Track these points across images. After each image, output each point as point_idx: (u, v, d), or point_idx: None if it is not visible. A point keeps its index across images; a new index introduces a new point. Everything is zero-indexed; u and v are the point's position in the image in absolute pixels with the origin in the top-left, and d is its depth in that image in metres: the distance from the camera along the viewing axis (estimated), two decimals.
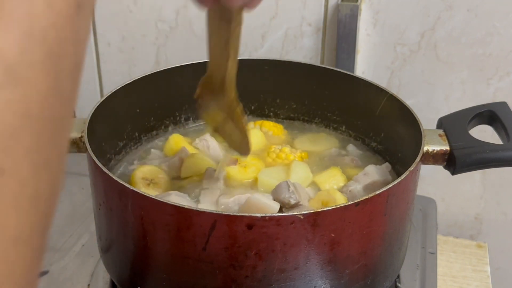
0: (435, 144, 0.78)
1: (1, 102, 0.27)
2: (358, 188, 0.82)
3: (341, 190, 0.82)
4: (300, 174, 0.84)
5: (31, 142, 0.28)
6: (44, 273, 0.88)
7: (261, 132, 0.93)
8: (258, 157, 0.89)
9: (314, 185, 0.85)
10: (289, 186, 0.77)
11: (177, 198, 0.76)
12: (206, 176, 0.82)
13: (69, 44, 0.31)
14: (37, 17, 0.29)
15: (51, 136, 0.30)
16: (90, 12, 0.33)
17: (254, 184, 0.84)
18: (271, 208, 0.74)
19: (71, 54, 0.31)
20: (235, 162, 0.85)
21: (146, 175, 0.83)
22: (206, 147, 0.90)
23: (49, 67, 0.29)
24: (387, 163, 0.88)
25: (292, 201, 0.76)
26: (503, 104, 0.83)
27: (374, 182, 0.83)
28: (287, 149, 0.89)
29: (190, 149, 0.89)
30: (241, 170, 0.85)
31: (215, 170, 0.82)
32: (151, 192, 0.79)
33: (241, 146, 0.77)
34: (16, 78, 0.27)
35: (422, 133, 0.77)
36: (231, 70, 0.69)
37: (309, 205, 0.78)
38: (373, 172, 0.84)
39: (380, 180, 0.83)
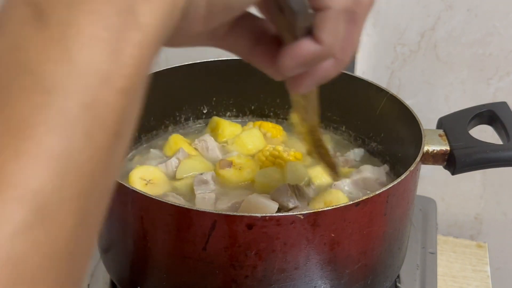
0: (435, 144, 0.78)
1: (30, 243, 0.27)
2: (347, 181, 0.82)
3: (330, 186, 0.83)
4: (297, 174, 0.84)
5: (55, 280, 0.28)
6: None
7: (260, 133, 0.93)
8: (253, 158, 0.89)
9: (311, 182, 0.85)
10: (288, 190, 0.77)
11: (173, 200, 0.76)
12: (196, 183, 0.81)
13: (102, 176, 0.31)
14: (75, 152, 0.28)
15: (73, 269, 0.30)
16: (127, 139, 0.33)
17: (250, 186, 0.84)
18: (270, 207, 0.74)
19: (102, 185, 0.31)
20: (229, 164, 0.85)
21: (144, 175, 0.83)
22: (205, 147, 0.90)
23: (79, 204, 0.29)
24: (385, 165, 0.88)
25: (291, 205, 0.76)
26: (503, 104, 0.83)
27: (365, 178, 0.83)
28: (280, 147, 0.89)
29: (189, 150, 0.89)
30: (235, 173, 0.84)
31: (201, 174, 0.82)
32: (149, 192, 0.79)
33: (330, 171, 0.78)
34: (45, 218, 0.27)
35: (422, 133, 0.77)
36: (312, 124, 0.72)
37: (311, 205, 0.78)
38: (366, 170, 0.84)
39: (372, 178, 0.83)
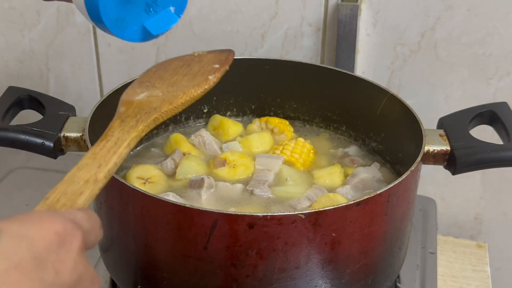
0: (435, 144, 0.78)
1: None
2: (347, 188, 0.82)
3: (333, 190, 0.82)
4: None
5: None
6: None
7: (268, 133, 0.93)
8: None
9: (311, 177, 0.85)
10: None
11: (174, 200, 0.76)
12: (191, 185, 0.81)
13: None
14: None
15: None
16: None
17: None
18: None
19: None
20: (223, 163, 0.85)
21: (141, 174, 0.83)
22: (202, 143, 0.90)
23: None
24: (375, 163, 0.88)
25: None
26: (504, 104, 0.84)
27: (362, 180, 0.83)
28: (301, 139, 0.90)
29: (188, 148, 0.89)
30: (230, 171, 0.84)
31: (202, 178, 0.81)
32: (148, 191, 0.79)
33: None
34: None
35: (423, 133, 0.77)
36: None
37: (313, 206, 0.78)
38: (360, 172, 0.84)
39: (369, 177, 0.83)
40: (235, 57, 0.95)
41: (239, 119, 0.99)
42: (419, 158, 0.73)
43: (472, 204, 1.12)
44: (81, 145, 0.79)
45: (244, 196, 0.81)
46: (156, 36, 0.68)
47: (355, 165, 0.88)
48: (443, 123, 0.83)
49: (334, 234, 0.65)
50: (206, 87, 0.73)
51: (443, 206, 1.12)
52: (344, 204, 0.65)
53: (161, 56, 1.12)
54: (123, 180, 0.67)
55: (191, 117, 0.98)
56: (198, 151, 0.90)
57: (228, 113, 0.99)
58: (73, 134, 0.79)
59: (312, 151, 0.90)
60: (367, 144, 0.94)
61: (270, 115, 0.98)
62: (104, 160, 0.57)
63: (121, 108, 0.68)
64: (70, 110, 0.83)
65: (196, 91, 0.72)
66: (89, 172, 0.54)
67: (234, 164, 0.85)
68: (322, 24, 1.04)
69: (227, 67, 0.76)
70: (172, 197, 0.77)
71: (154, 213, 0.66)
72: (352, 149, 0.93)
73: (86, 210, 0.50)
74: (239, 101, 0.99)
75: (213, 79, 0.74)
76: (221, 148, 0.90)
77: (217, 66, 0.76)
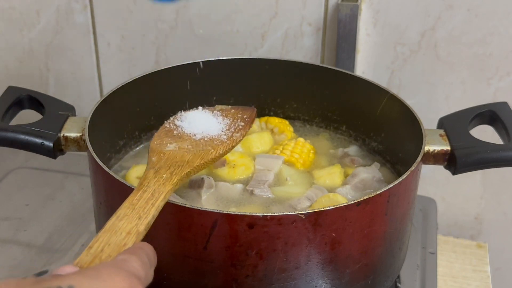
0: (436, 144, 0.78)
1: None
2: (347, 188, 0.82)
3: (334, 190, 0.82)
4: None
5: None
6: (43, 272, 0.88)
7: (268, 133, 0.93)
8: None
9: (311, 177, 0.85)
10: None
11: (174, 200, 0.75)
12: (191, 185, 0.81)
13: None
14: None
15: None
16: None
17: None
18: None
19: None
20: (223, 163, 0.85)
21: (141, 174, 0.82)
22: None
23: None
24: (375, 163, 0.88)
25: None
26: (504, 104, 0.83)
27: (363, 180, 0.83)
28: (301, 140, 0.90)
29: None
30: (230, 171, 0.84)
31: (202, 178, 0.81)
32: None
33: None
34: None
35: (423, 133, 0.77)
36: None
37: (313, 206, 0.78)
38: (361, 172, 0.84)
39: (369, 177, 0.83)
40: (234, 57, 0.96)
41: None
42: (419, 158, 0.73)
43: (472, 204, 1.12)
44: (80, 145, 0.79)
45: (244, 196, 0.81)
46: None
47: (355, 165, 0.88)
48: (443, 123, 0.82)
49: (334, 234, 0.65)
50: (233, 144, 0.75)
51: (443, 206, 1.12)
52: (344, 204, 0.64)
53: (161, 56, 1.12)
54: (123, 180, 0.67)
55: None
56: None
57: None
58: (72, 134, 0.79)
59: (312, 151, 0.90)
60: (367, 144, 0.94)
61: (270, 115, 0.98)
62: (144, 212, 0.57)
63: (152, 158, 0.70)
64: (69, 110, 0.83)
65: (225, 148, 0.74)
66: (130, 224, 0.55)
67: (234, 164, 0.85)
68: (322, 24, 1.04)
69: (251, 125, 0.80)
70: (172, 197, 0.77)
71: None
72: (352, 149, 0.93)
73: (139, 254, 0.51)
74: (239, 101, 0.98)
75: (239, 137, 0.77)
76: None
77: (242, 124, 0.79)
